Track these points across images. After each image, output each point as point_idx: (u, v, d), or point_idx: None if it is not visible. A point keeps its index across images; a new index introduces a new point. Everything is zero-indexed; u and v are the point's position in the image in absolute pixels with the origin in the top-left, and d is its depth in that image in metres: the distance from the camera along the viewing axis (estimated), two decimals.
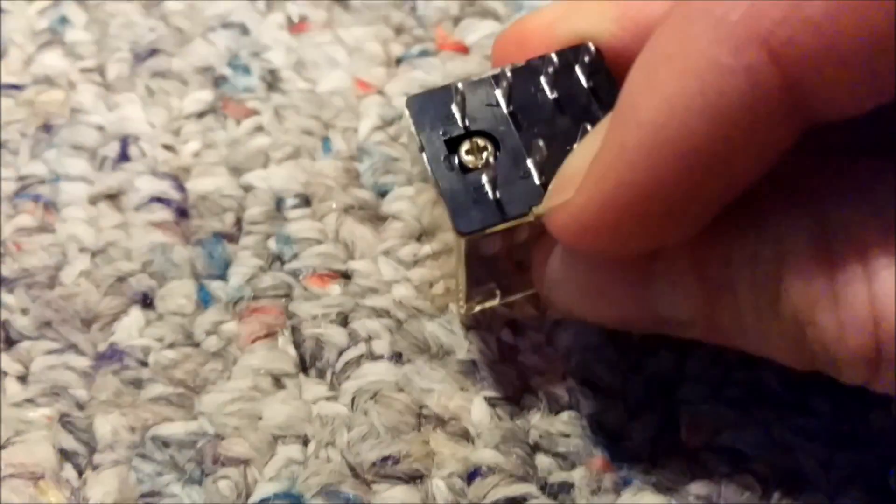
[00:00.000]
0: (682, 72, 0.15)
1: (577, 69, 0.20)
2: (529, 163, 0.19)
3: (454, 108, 0.20)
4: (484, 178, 0.19)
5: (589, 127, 0.19)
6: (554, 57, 0.20)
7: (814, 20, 0.14)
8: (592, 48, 0.20)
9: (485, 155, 0.20)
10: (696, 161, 0.16)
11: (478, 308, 0.23)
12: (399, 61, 0.29)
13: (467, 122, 0.20)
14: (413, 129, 0.20)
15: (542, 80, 0.20)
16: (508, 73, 0.20)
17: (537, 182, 0.19)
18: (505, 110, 0.20)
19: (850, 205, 0.17)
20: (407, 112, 0.20)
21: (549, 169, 0.19)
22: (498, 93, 0.20)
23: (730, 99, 0.15)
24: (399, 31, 0.30)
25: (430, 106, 0.20)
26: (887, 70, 0.15)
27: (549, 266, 0.20)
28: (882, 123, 0.18)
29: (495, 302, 0.23)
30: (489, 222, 0.19)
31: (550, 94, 0.20)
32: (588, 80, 0.20)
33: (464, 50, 0.29)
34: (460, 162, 0.20)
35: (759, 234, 0.18)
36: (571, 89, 0.20)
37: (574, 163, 0.18)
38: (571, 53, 0.20)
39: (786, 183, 0.18)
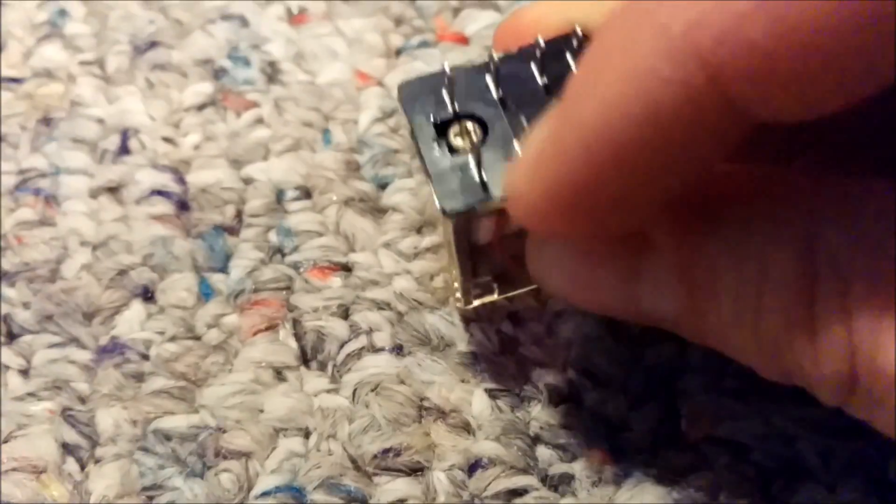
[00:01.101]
0: (621, 76, 0.15)
1: (568, 55, 0.20)
2: (517, 146, 0.19)
3: (444, 93, 0.20)
4: (471, 161, 0.19)
5: None
6: (543, 44, 0.20)
7: (753, 42, 0.14)
8: (581, 34, 0.20)
9: (474, 138, 0.20)
10: (632, 163, 0.16)
11: (476, 302, 0.23)
12: (399, 52, 0.29)
13: (457, 107, 0.20)
14: (404, 111, 0.20)
15: (533, 66, 0.20)
16: (499, 61, 0.20)
17: None
18: (495, 96, 0.20)
19: (837, 229, 0.17)
20: (398, 96, 0.21)
21: None
22: (489, 78, 0.20)
23: (666, 108, 0.15)
24: (399, 22, 0.30)
25: (421, 91, 0.20)
26: (830, 87, 0.15)
27: (541, 255, 0.21)
28: (883, 138, 0.18)
29: (493, 297, 0.23)
30: (473, 201, 0.19)
31: (541, 80, 0.20)
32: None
33: (464, 40, 0.29)
34: (449, 145, 0.20)
35: (744, 248, 0.18)
36: (561, 74, 0.20)
37: (525, 151, 0.18)
38: (562, 40, 0.20)
39: (776, 197, 0.18)
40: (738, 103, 0.15)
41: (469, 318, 0.24)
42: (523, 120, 0.20)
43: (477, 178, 0.19)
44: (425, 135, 0.20)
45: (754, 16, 0.14)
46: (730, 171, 0.19)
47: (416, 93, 0.20)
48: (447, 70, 0.20)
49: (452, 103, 0.20)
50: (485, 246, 0.21)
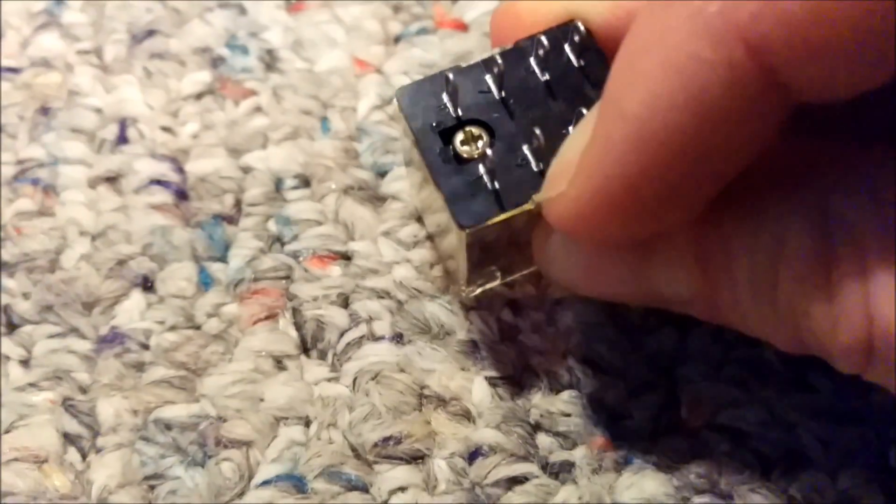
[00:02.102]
0: (663, 65, 0.15)
1: (567, 48, 0.20)
2: (526, 149, 0.19)
3: (445, 98, 0.20)
4: (481, 169, 0.19)
5: (584, 110, 0.19)
6: (543, 38, 0.20)
7: (789, 13, 0.14)
8: (581, 26, 0.20)
9: (480, 144, 0.19)
10: (681, 153, 0.16)
11: (479, 290, 0.23)
12: (397, 39, 0.29)
13: (460, 112, 0.20)
14: (405, 121, 0.20)
15: (532, 61, 0.20)
16: (498, 58, 0.20)
17: (535, 169, 0.19)
18: (497, 96, 0.20)
19: (852, 198, 0.17)
20: (397, 104, 0.20)
21: (545, 155, 0.19)
22: (488, 78, 0.20)
23: (712, 93, 0.15)
24: (397, 8, 0.30)
25: (421, 96, 0.20)
26: (868, 60, 0.15)
27: (549, 245, 0.20)
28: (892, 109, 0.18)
29: (496, 283, 0.23)
30: (490, 214, 0.19)
31: (541, 76, 0.20)
32: (578, 59, 0.20)
33: (462, 27, 0.29)
34: (455, 153, 0.19)
35: (758, 222, 0.17)
36: (562, 70, 0.20)
37: (566, 153, 0.18)
38: (560, 32, 0.20)
39: (789, 171, 0.18)
40: (782, 79, 0.15)
41: (469, 307, 0.24)
42: (530, 122, 0.19)
43: (490, 188, 0.19)
44: (431, 144, 0.20)
45: None
46: None
47: (416, 99, 0.20)
48: (448, 74, 0.20)
49: (455, 108, 0.20)
50: (492, 241, 0.21)
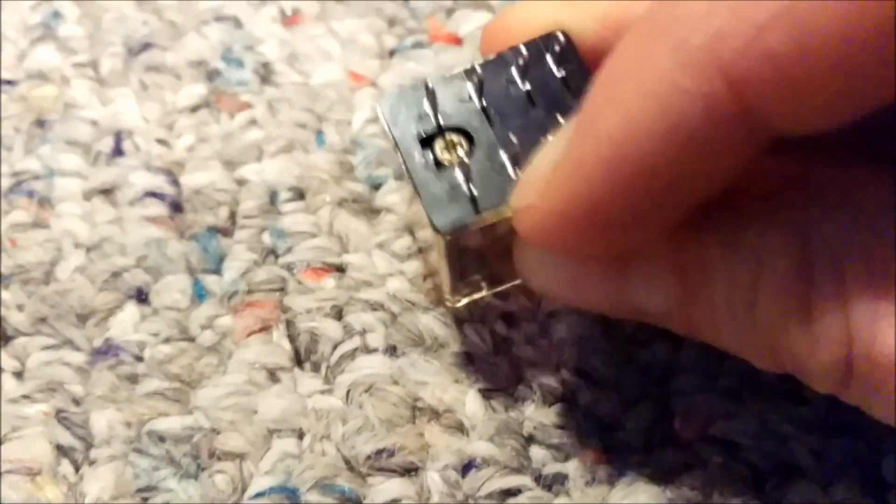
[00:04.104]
0: (642, 91, 0.16)
1: (549, 58, 0.20)
2: (504, 156, 0.19)
3: (426, 106, 0.20)
4: (459, 175, 0.19)
5: (561, 119, 0.19)
6: (523, 48, 0.20)
7: (774, 52, 0.14)
8: (562, 37, 0.20)
9: (459, 151, 0.20)
10: (653, 178, 0.16)
11: (465, 300, 0.23)
12: (392, 53, 0.29)
13: (440, 119, 0.20)
14: (386, 128, 0.20)
15: (514, 71, 0.20)
16: (478, 68, 0.20)
17: (512, 176, 0.19)
18: (477, 105, 0.20)
19: (833, 219, 0.17)
20: (379, 112, 0.20)
21: (523, 161, 0.19)
22: (469, 87, 0.20)
23: (689, 123, 0.15)
24: (392, 22, 0.30)
25: (403, 105, 0.20)
26: (851, 98, 0.15)
27: (528, 254, 0.20)
28: (878, 127, 0.18)
29: (483, 293, 0.23)
30: (465, 218, 0.19)
31: (522, 86, 0.20)
32: (559, 69, 0.20)
33: (457, 41, 0.29)
34: (435, 159, 0.20)
35: (739, 239, 0.18)
36: (543, 80, 0.20)
37: (539, 165, 0.18)
38: (542, 43, 0.20)
39: (771, 189, 0.18)
40: (760, 115, 0.15)
41: (462, 319, 0.24)
42: (508, 129, 0.19)
43: (467, 193, 0.19)
44: (410, 151, 0.20)
45: (774, 26, 0.14)
46: None
47: (397, 107, 0.20)
48: (428, 82, 0.20)
49: (436, 116, 0.20)
50: (474, 248, 0.21)
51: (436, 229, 0.19)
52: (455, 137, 0.20)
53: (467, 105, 0.20)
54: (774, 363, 0.18)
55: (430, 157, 0.20)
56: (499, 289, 0.23)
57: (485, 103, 0.20)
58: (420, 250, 0.25)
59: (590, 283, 0.20)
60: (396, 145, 0.20)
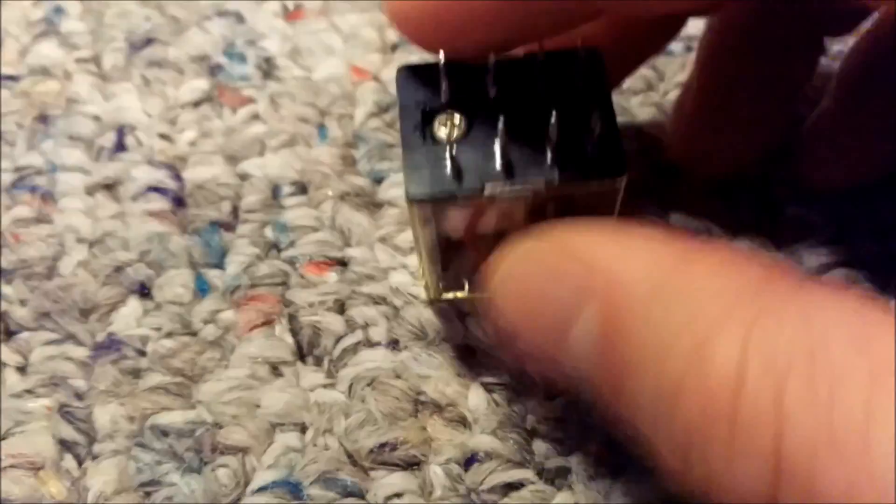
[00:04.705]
0: None
1: (575, 70, 0.20)
2: (496, 146, 0.19)
3: (442, 82, 0.20)
4: (447, 152, 0.19)
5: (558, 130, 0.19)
6: (553, 55, 0.20)
7: None
8: (593, 53, 0.20)
9: (455, 131, 0.20)
10: None
11: (448, 296, 0.23)
12: (394, 47, 0.29)
13: (447, 98, 0.20)
14: (397, 94, 0.20)
15: (538, 73, 0.20)
16: (502, 63, 0.20)
17: (497, 167, 0.19)
18: (490, 94, 0.20)
19: (782, 325, 0.14)
20: (396, 79, 0.20)
21: (513, 158, 0.19)
22: (489, 78, 0.20)
23: None
24: None
25: (419, 78, 0.20)
26: None
27: (497, 273, 0.19)
28: None
29: (464, 293, 0.23)
30: (437, 191, 0.19)
31: (541, 89, 0.20)
32: (581, 82, 0.20)
33: None
34: (432, 134, 0.20)
35: (684, 317, 0.15)
36: (561, 89, 0.20)
37: None
38: (572, 53, 0.20)
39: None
40: None
41: (464, 313, 0.24)
42: (509, 125, 0.19)
43: (449, 170, 0.19)
44: (410, 120, 0.20)
45: None
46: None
47: (413, 79, 0.20)
48: (451, 64, 0.20)
49: (447, 95, 0.20)
50: (457, 242, 0.21)
51: (408, 196, 0.19)
52: (457, 118, 0.20)
53: (480, 94, 0.20)
54: (685, 472, 0.15)
55: (428, 130, 0.20)
56: (481, 295, 0.23)
57: (498, 95, 0.20)
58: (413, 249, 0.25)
59: (542, 313, 0.18)
60: (399, 111, 0.20)
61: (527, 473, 0.22)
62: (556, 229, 0.18)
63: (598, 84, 0.20)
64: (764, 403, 0.14)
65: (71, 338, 0.24)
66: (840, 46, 0.27)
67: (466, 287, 0.23)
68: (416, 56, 0.29)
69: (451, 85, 0.20)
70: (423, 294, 0.24)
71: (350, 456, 0.23)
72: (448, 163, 0.19)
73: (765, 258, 0.16)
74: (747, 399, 0.14)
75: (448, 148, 0.19)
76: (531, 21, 0.20)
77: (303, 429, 0.23)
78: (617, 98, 0.28)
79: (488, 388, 0.23)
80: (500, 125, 0.19)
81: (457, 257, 0.22)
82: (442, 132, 0.20)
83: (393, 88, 0.28)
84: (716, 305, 0.15)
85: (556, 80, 0.20)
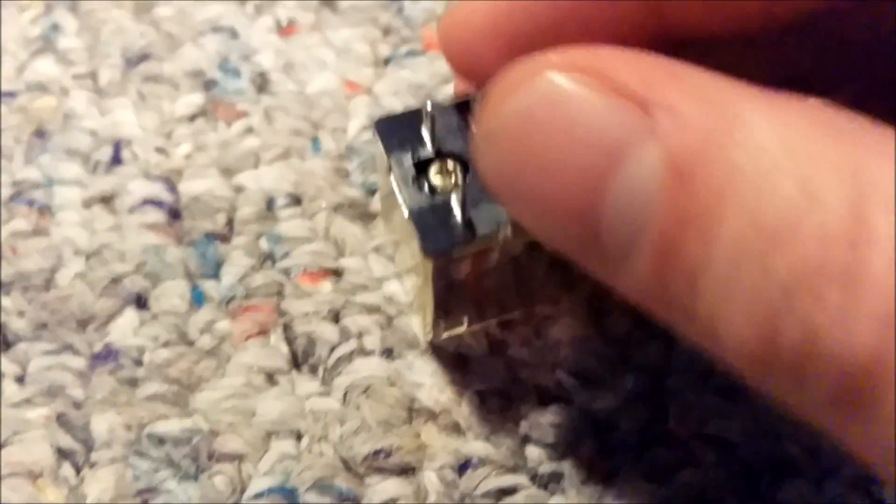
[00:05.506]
0: None
1: None
2: None
3: (424, 131, 0.20)
4: (453, 200, 0.19)
5: None
6: None
7: None
8: None
9: (454, 178, 0.20)
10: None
11: (445, 335, 0.23)
12: (387, 61, 0.30)
13: (437, 145, 0.20)
14: (382, 150, 0.20)
15: None
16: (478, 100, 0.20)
17: (502, 208, 0.19)
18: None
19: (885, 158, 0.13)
20: (376, 134, 0.20)
21: None
22: (469, 117, 0.20)
23: None
24: (386, 31, 0.30)
25: (400, 128, 0.20)
26: None
27: (509, 103, 0.15)
28: None
29: (462, 329, 0.23)
30: (456, 242, 0.19)
31: None
32: None
33: None
34: (429, 184, 0.20)
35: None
36: None
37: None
38: None
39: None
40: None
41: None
42: None
43: (459, 218, 0.19)
44: (405, 174, 0.20)
45: None
46: None
47: (395, 130, 0.20)
48: (429, 108, 0.20)
49: (433, 142, 0.20)
50: (458, 281, 0.21)
51: (426, 252, 0.19)
52: (450, 164, 0.20)
53: (465, 133, 0.20)
54: (763, 340, 0.13)
55: (425, 182, 0.20)
56: (477, 326, 0.24)
57: None
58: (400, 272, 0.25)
59: (556, 182, 0.15)
60: (390, 168, 0.20)
61: (520, 479, 0.23)
62: (592, 51, 0.15)
63: None
64: (888, 255, 0.12)
65: (68, 348, 0.25)
66: None
67: (466, 322, 0.23)
68: (408, 70, 0.29)
69: (434, 130, 0.20)
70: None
71: (345, 463, 0.23)
72: (457, 211, 0.19)
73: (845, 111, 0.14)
74: (869, 249, 0.12)
75: (453, 195, 0.19)
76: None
77: (298, 436, 0.23)
78: None
79: (481, 394, 0.24)
80: None
81: (457, 296, 0.22)
82: (439, 181, 0.20)
83: (386, 102, 0.28)
84: (815, 142, 0.13)
85: None
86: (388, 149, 0.20)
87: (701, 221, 0.13)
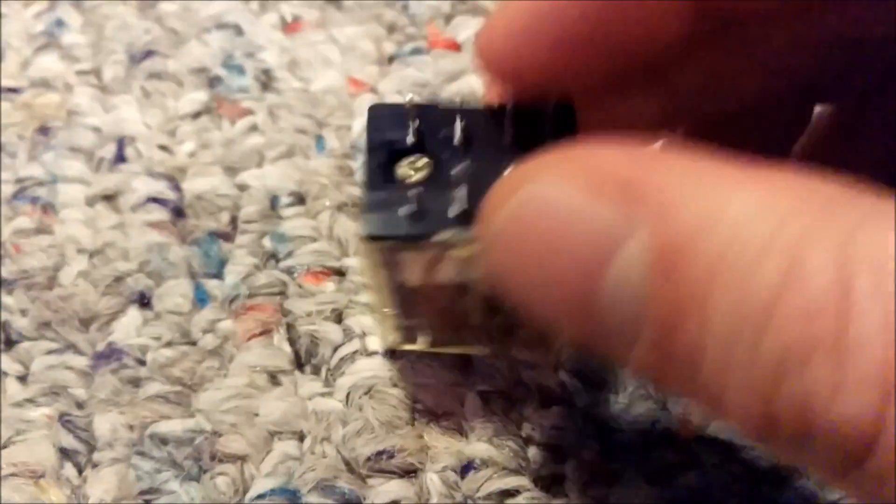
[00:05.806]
0: None
1: (545, 123, 0.19)
2: (457, 195, 0.18)
3: (410, 124, 0.20)
4: (409, 194, 0.19)
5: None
6: (525, 107, 0.20)
7: None
8: (567, 106, 0.20)
9: (419, 174, 0.19)
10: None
11: (403, 347, 0.23)
12: (392, 59, 0.30)
13: (416, 141, 0.20)
14: (366, 133, 0.20)
15: (507, 123, 0.20)
16: (474, 109, 0.20)
17: (453, 213, 0.18)
18: (456, 141, 0.20)
19: (879, 232, 0.13)
20: (367, 117, 0.20)
21: (470, 201, 0.18)
22: (457, 124, 0.20)
23: None
24: (391, 29, 0.30)
25: (388, 117, 0.20)
26: None
27: (502, 211, 0.16)
28: None
29: (416, 347, 0.23)
30: (396, 233, 0.19)
31: (508, 138, 0.20)
32: (554, 137, 0.19)
33: (455, 47, 0.30)
34: (395, 174, 0.19)
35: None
36: (533, 143, 0.18)
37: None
38: (546, 106, 0.20)
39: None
40: None
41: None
42: (475, 174, 0.18)
43: (406, 213, 0.19)
44: (376, 158, 0.20)
45: None
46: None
47: (383, 118, 0.20)
48: (422, 103, 0.20)
49: (414, 137, 0.20)
50: (410, 289, 0.20)
51: (363, 234, 0.19)
52: (422, 162, 0.20)
53: (449, 138, 0.20)
54: (764, 421, 0.13)
55: (391, 170, 0.19)
56: (438, 350, 0.23)
57: (467, 141, 0.20)
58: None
59: (559, 271, 0.15)
60: (367, 149, 0.20)
61: (522, 481, 0.23)
62: (573, 152, 0.16)
63: (567, 138, 0.19)
64: (876, 320, 0.12)
65: (71, 347, 0.25)
66: None
67: (420, 342, 0.23)
68: (413, 68, 0.29)
69: (419, 127, 0.20)
70: None
71: (347, 464, 0.23)
72: (407, 205, 0.19)
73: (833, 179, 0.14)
74: (856, 317, 0.12)
75: (408, 190, 0.19)
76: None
77: (301, 437, 0.23)
78: None
79: (484, 396, 0.24)
80: (458, 172, 0.18)
81: (416, 309, 0.21)
82: (405, 173, 0.19)
83: (390, 100, 0.28)
84: (800, 218, 0.13)
85: (524, 131, 0.20)
86: (371, 132, 0.20)
87: (691, 310, 0.13)
